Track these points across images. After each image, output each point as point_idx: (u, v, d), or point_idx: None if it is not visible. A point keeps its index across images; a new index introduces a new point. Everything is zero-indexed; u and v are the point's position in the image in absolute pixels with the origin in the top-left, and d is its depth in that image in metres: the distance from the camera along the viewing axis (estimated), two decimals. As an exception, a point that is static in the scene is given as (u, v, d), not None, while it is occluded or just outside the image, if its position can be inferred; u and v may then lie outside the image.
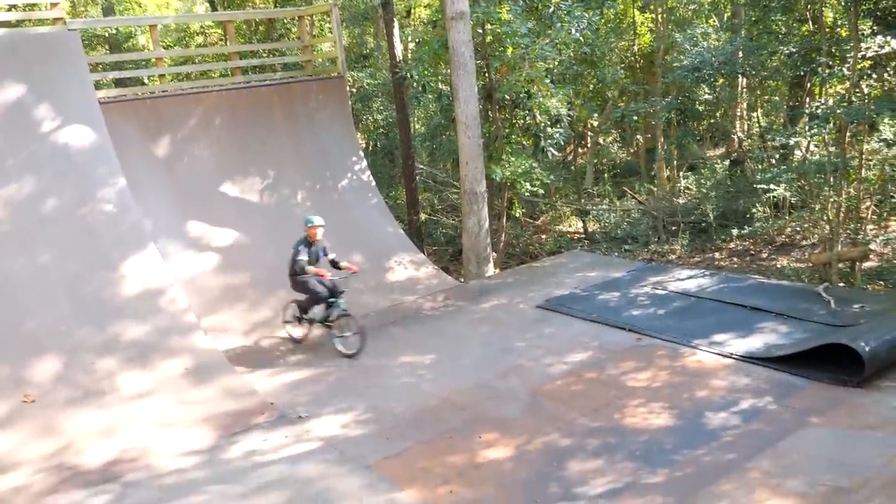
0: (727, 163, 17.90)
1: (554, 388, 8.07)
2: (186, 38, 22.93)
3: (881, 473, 5.69)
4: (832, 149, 12.34)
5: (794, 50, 13.91)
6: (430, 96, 15.42)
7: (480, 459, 6.75)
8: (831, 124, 12.13)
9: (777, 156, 15.16)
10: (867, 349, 7.41)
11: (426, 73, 14.58)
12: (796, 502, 5.50)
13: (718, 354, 8.53)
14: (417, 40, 20.35)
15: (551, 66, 14.59)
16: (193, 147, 12.75)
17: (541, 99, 13.92)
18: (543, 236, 17.01)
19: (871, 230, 13.11)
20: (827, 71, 12.72)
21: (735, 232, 14.45)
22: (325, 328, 9.93)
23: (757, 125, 17.94)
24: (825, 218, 12.47)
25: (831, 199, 12.16)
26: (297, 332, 10.21)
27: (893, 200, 12.93)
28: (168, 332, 9.29)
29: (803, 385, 7.60)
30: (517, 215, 16.42)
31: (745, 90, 18.76)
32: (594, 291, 11.26)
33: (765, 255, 13.94)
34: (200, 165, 12.73)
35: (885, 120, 12.26)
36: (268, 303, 11.36)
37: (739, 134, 19.14)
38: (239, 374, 9.15)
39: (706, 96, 18.55)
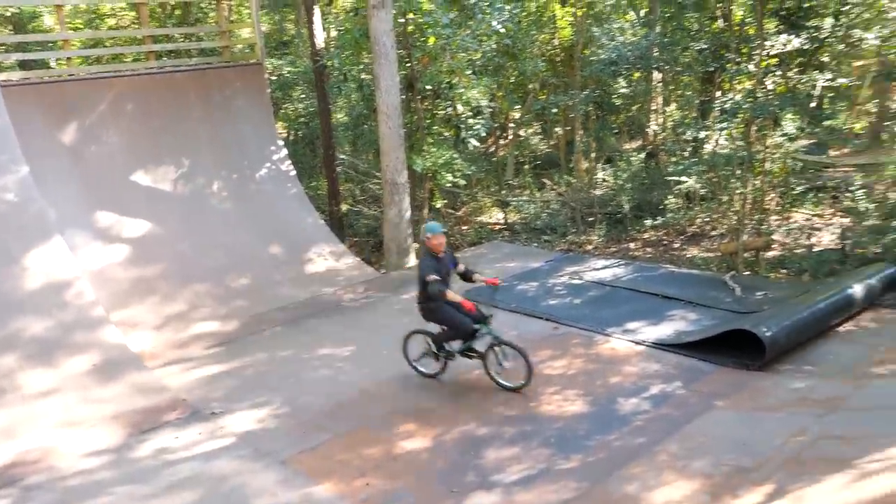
0: (643, 155, 18.38)
1: (472, 378, 8.14)
2: (97, 21, 21.95)
3: (781, 452, 5.97)
4: (739, 143, 12.83)
5: (705, 46, 14.38)
6: (351, 85, 15.26)
7: (398, 450, 6.76)
8: (739, 119, 12.61)
9: (689, 149, 15.66)
10: (768, 335, 7.77)
11: (347, 61, 14.41)
12: (702, 482, 5.71)
13: (631, 342, 8.78)
14: (339, 28, 20.08)
15: (473, 57, 14.64)
16: (103, 134, 12.26)
17: (462, 90, 13.95)
18: (465, 227, 17.10)
19: (774, 221, 13.70)
20: (734, 67, 13.20)
21: (649, 222, 14.88)
22: (470, 358, 7.94)
23: (671, 119, 18.48)
24: (732, 209, 12.97)
25: (738, 191, 12.65)
26: (431, 367, 8.21)
27: (794, 192, 13.54)
28: (74, 326, 8.91)
29: (710, 370, 7.91)
30: (438, 206, 16.45)
31: (659, 85, 19.29)
32: (513, 282, 11.40)
33: (677, 245, 14.40)
34: (110, 153, 12.25)
35: (788, 115, 12.80)
36: (181, 295, 11.07)
37: (654, 127, 19.67)
38: (149, 369, 8.88)
39: (623, 90, 18.98)
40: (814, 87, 13.79)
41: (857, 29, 13.55)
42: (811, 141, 18.14)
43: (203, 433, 7.35)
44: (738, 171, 12.44)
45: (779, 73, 13.23)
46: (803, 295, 9.31)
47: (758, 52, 12.45)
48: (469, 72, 14.13)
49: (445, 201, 17.47)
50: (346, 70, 14.51)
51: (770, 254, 12.95)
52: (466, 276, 7.84)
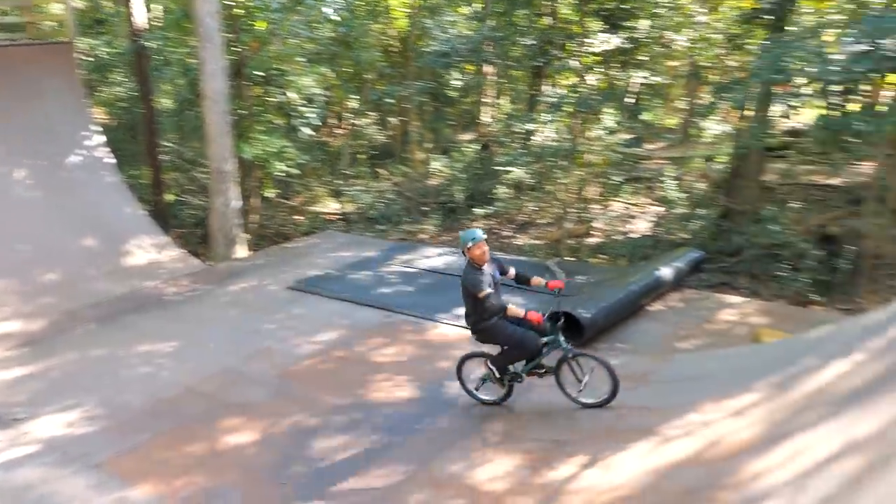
0: (477, 146, 18.84)
1: (302, 369, 7.99)
2: None
3: (596, 424, 6.31)
4: (564, 135, 13.46)
5: (532, 42, 14.93)
6: (175, 69, 14.47)
7: (222, 447, 6.50)
8: (563, 112, 13.21)
9: (520, 141, 16.23)
10: (587, 316, 8.19)
11: (171, 44, 13.65)
12: (522, 457, 5.93)
13: (461, 327, 8.95)
14: (162, 8, 18.96)
15: (305, 44, 14.34)
16: None
17: (294, 77, 13.62)
18: (298, 217, 16.76)
19: (595, 209, 14.51)
20: (559, 63, 13.82)
21: (480, 212, 15.28)
22: (539, 377, 6.82)
23: (502, 111, 19.06)
24: (557, 198, 13.60)
25: (562, 181, 13.27)
26: (494, 392, 7.06)
27: (613, 183, 14.39)
28: None
29: (534, 351, 8.22)
30: (269, 196, 16.01)
31: (492, 78, 19.84)
32: (346, 271, 11.32)
33: (508, 234, 14.88)
34: None
35: (608, 110, 13.58)
36: (-21, 293, 10.05)
37: (487, 119, 20.23)
38: (-61, 375, 8.00)
39: (456, 82, 19.32)
40: (631, 84, 14.73)
41: (669, 31, 14.59)
42: (630, 135, 19.41)
43: (4, 441, 6.72)
44: (563, 163, 13.04)
45: (600, 69, 14.01)
46: (619, 278, 9.92)
47: (581, 49, 13.09)
48: (301, 59, 13.83)
49: (279, 191, 17.03)
50: (169, 53, 13.74)
51: (591, 240, 13.70)
52: (522, 280, 6.68)
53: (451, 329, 8.92)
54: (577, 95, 12.64)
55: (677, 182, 14.61)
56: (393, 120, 21.73)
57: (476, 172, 17.00)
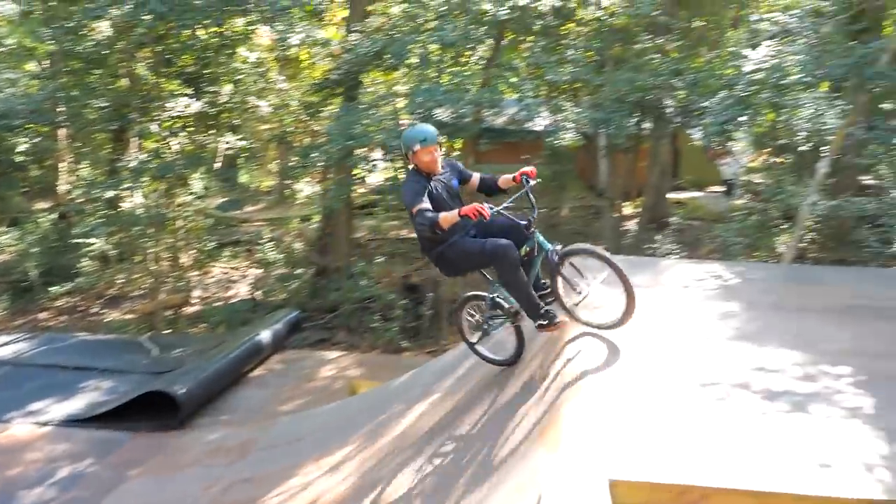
0: (54, 216, 16.86)
1: None
2: None
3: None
4: (150, 202, 12.75)
5: (107, 104, 13.94)
6: None
7: None
8: (147, 178, 12.52)
9: (103, 208, 14.95)
10: (182, 392, 7.75)
11: None
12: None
13: (35, 424, 7.80)
14: None
15: None
16: None
17: None
18: None
19: (193, 276, 13.97)
20: (138, 126, 13.12)
21: (57, 289, 13.64)
22: (546, 302, 4.77)
23: (82, 178, 17.37)
24: (149, 268, 12.79)
25: (151, 250, 12.54)
26: (495, 350, 5.30)
27: (210, 248, 14.04)
28: None
29: (125, 439, 7.50)
30: None
31: (68, 141, 18.03)
32: None
33: (95, 310, 13.55)
34: None
35: (196, 175, 13.25)
36: None
37: (66, 186, 18.31)
38: None
39: (24, 146, 17.12)
40: (220, 148, 14.61)
41: (252, 96, 14.79)
42: (226, 198, 19.24)
43: None
44: (151, 231, 12.34)
45: (184, 133, 13.62)
46: (218, 347, 9.62)
47: (160, 113, 12.59)
48: None
49: None
50: None
51: (191, 309, 13.16)
52: (489, 186, 5.04)
53: (25, 428, 7.69)
54: (160, 160, 12.09)
55: (275, 243, 14.83)
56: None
57: (53, 245, 15.22)
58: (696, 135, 10.50)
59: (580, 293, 4.54)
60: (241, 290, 14.40)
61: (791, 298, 5.73)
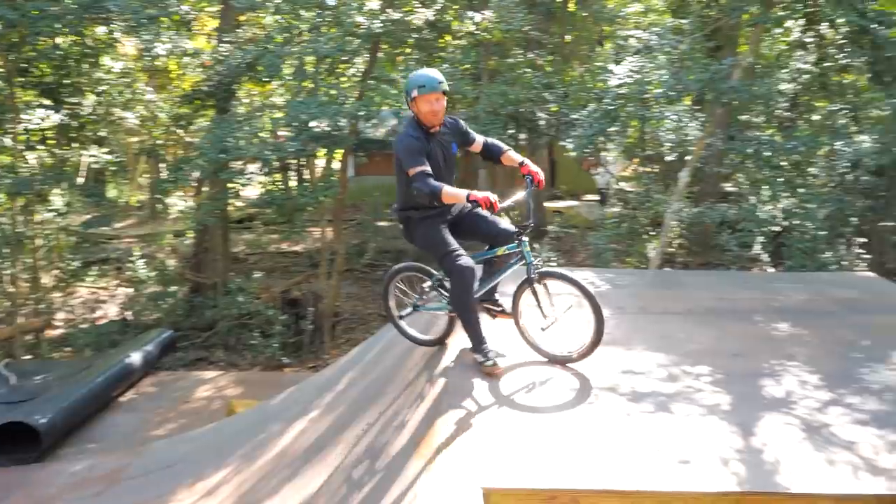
0: None
1: None
2: None
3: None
4: (6, 220, 11.87)
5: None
6: None
7: None
8: (1, 195, 11.67)
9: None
10: (43, 422, 7.29)
11: None
12: None
13: None
14: None
15: None
16: None
17: None
18: None
19: (56, 298, 13.09)
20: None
21: None
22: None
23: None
24: (5, 291, 11.92)
25: (8, 272, 11.70)
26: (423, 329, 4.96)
27: (74, 267, 13.20)
28: None
29: (-20, 476, 6.95)
30: None
31: None
32: None
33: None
34: None
35: (57, 190, 12.47)
36: None
37: None
38: None
39: None
40: (84, 162, 13.82)
41: (117, 108, 14.07)
42: (94, 215, 18.21)
43: None
44: (6, 250, 11.51)
45: (43, 147, 12.79)
46: (84, 371, 9.11)
47: (14, 125, 11.76)
48: None
49: None
50: None
51: (54, 333, 12.37)
52: (492, 155, 4.66)
53: None
54: (14, 175, 11.27)
55: (146, 261, 14.17)
56: None
57: None
58: (569, 146, 10.88)
59: (547, 318, 4.28)
60: (111, 311, 13.70)
61: (657, 302, 6.04)
